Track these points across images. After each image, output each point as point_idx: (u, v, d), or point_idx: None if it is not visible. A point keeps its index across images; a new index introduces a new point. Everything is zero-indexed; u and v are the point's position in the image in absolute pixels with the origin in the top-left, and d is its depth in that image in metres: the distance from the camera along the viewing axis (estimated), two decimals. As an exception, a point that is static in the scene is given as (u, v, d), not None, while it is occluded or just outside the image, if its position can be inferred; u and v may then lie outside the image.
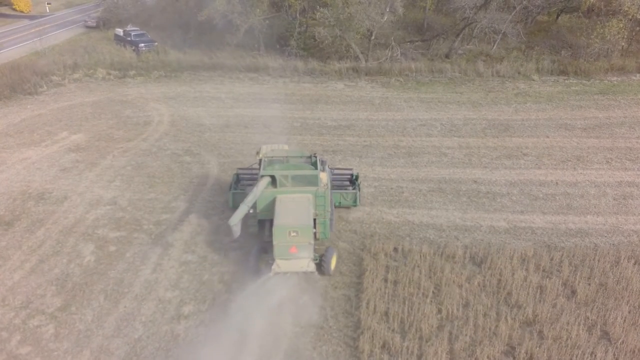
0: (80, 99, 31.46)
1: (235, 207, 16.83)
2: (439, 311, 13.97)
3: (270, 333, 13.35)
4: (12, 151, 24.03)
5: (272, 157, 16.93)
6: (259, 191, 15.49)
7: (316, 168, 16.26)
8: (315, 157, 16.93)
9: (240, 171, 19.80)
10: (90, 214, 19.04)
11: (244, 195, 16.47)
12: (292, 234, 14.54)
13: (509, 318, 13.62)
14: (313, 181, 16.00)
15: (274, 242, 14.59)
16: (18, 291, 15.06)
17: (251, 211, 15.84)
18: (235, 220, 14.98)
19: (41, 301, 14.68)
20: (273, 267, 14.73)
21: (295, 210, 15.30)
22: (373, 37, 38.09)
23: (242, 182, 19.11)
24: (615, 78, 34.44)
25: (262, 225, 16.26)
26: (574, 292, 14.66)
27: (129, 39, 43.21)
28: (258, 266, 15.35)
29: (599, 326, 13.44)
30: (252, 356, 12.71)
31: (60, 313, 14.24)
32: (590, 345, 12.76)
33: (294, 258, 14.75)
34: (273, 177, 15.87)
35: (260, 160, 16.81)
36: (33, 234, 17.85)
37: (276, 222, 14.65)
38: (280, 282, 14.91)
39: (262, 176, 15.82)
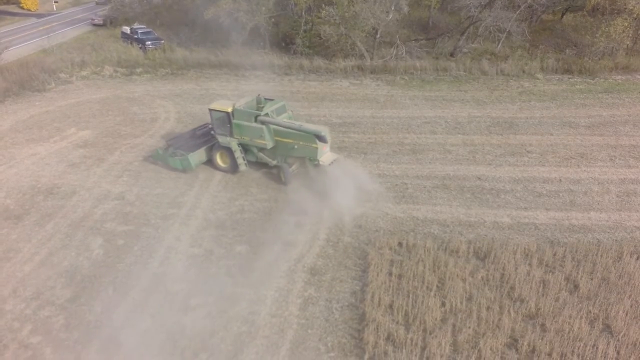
0: (88, 96, 31.77)
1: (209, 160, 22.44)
2: (443, 304, 14.14)
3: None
4: (21, 147, 24.35)
5: (240, 106, 21.11)
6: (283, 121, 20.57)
7: (263, 103, 21.33)
8: (260, 95, 21.67)
9: (172, 141, 23.15)
10: (98, 209, 19.31)
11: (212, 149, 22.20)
12: None
13: (511, 311, 13.79)
14: (284, 109, 21.82)
15: (318, 147, 19.73)
16: (28, 283, 15.35)
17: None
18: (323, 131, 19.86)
19: (51, 293, 14.96)
20: (321, 163, 20.01)
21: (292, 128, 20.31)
22: (378, 36, 38.25)
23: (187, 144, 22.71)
24: (619, 77, 34.47)
25: (272, 151, 21.22)
26: (576, 286, 14.81)
27: (135, 36, 43.49)
28: (291, 174, 20.87)
29: (601, 319, 13.59)
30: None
31: (70, 304, 14.52)
32: (592, 338, 12.92)
33: (325, 153, 20.35)
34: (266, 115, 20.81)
35: (233, 111, 20.86)
36: (42, 227, 18.14)
37: (316, 134, 19.49)
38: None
39: (260, 116, 20.49)
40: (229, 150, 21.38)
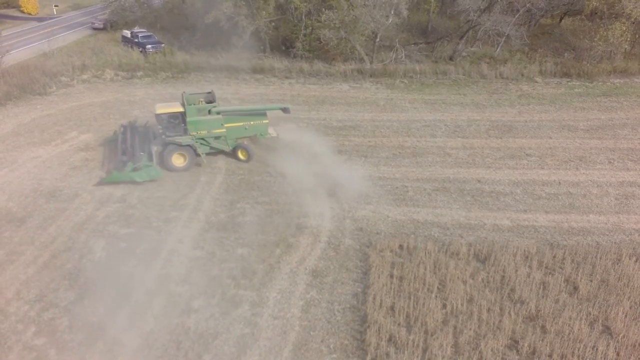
0: (89, 99, 31.85)
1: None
2: (444, 306, 14.26)
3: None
4: (23, 150, 24.42)
5: (193, 104, 22.77)
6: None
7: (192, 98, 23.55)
8: (185, 92, 23.78)
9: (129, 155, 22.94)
10: (100, 211, 19.40)
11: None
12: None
13: (512, 313, 13.92)
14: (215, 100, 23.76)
15: (268, 122, 23.66)
16: (32, 285, 15.42)
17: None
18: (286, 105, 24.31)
19: (55, 295, 15.03)
20: (272, 136, 23.89)
21: (248, 112, 23.95)
22: (378, 39, 38.44)
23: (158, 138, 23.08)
24: (618, 80, 34.72)
25: (225, 137, 23.06)
26: (576, 288, 14.95)
27: (136, 40, 43.55)
28: (252, 151, 23.21)
29: (600, 321, 13.73)
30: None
31: (74, 306, 14.58)
32: (592, 339, 13.05)
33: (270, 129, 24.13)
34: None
35: (185, 111, 21.98)
36: (45, 230, 18.21)
37: (282, 108, 23.58)
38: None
39: (214, 108, 22.55)
40: (186, 149, 22.16)
